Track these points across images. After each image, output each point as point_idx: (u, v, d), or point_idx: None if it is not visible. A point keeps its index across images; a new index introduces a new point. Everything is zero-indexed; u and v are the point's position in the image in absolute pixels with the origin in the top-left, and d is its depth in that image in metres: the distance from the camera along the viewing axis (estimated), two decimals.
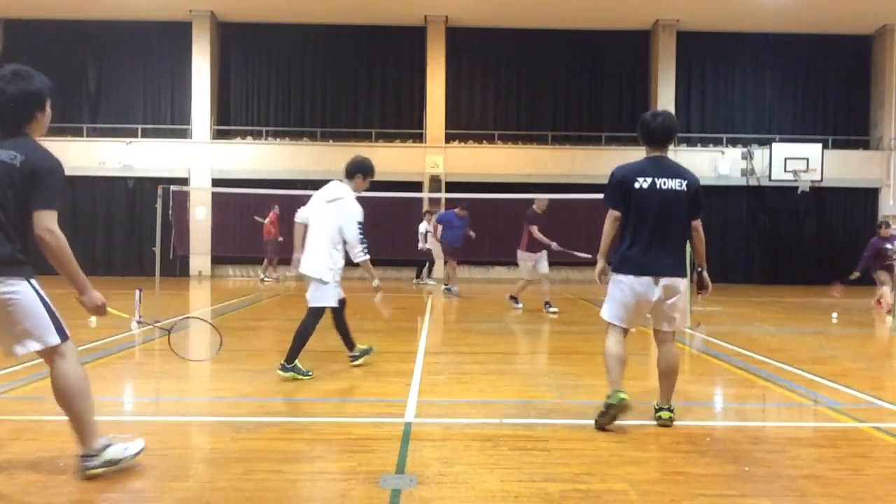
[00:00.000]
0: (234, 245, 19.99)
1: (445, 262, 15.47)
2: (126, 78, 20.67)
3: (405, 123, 20.94)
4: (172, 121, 20.65)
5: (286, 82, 21.00)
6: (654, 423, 4.77)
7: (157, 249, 10.58)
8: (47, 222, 3.49)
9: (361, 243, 6.19)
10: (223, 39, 21.03)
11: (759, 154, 20.12)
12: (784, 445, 4.44)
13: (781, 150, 19.61)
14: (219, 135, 20.62)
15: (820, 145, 19.72)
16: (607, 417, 4.56)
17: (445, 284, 15.28)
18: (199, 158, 19.96)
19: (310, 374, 6.19)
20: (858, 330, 10.98)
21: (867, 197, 20.36)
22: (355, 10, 19.63)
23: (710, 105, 21.19)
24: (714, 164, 20.38)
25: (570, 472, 3.84)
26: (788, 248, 20.50)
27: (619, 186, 4.67)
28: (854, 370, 7.16)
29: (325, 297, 6.27)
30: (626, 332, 4.83)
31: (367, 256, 6.26)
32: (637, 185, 4.61)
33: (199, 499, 3.46)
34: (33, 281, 3.61)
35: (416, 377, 6.31)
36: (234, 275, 20.50)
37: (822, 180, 19.61)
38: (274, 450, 4.16)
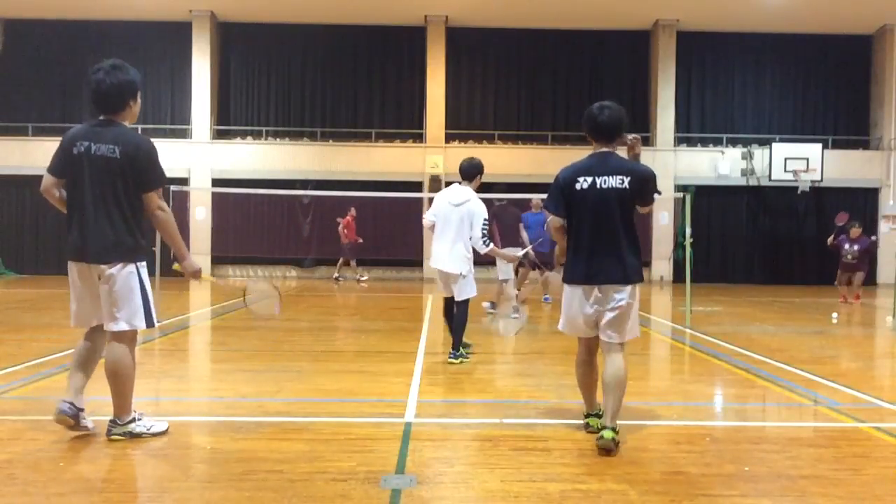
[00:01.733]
0: (234, 245, 20.00)
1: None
2: None
3: (405, 123, 20.93)
4: (172, 121, 20.65)
5: (286, 82, 21.00)
6: (653, 423, 4.75)
7: (158, 249, 10.58)
8: (157, 201, 4.19)
9: (483, 237, 6.91)
10: (223, 39, 21.03)
11: (759, 154, 20.12)
12: (784, 445, 4.44)
13: (781, 150, 19.60)
14: (219, 135, 20.62)
15: (820, 145, 19.72)
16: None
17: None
18: (199, 158, 19.96)
19: (471, 345, 7.46)
20: (858, 330, 10.98)
21: (867, 197, 20.36)
22: (355, 10, 19.63)
23: (710, 105, 21.18)
24: (714, 164, 20.38)
25: (570, 472, 3.84)
26: (788, 248, 20.49)
27: (560, 190, 4.40)
28: (854, 370, 7.16)
29: (469, 288, 7.04)
30: (591, 343, 4.51)
31: (491, 245, 7.04)
32: (578, 186, 4.32)
33: (199, 499, 3.46)
34: (140, 267, 4.21)
35: (416, 377, 6.31)
36: (235, 275, 20.50)
37: (822, 180, 19.60)
38: (274, 450, 4.16)
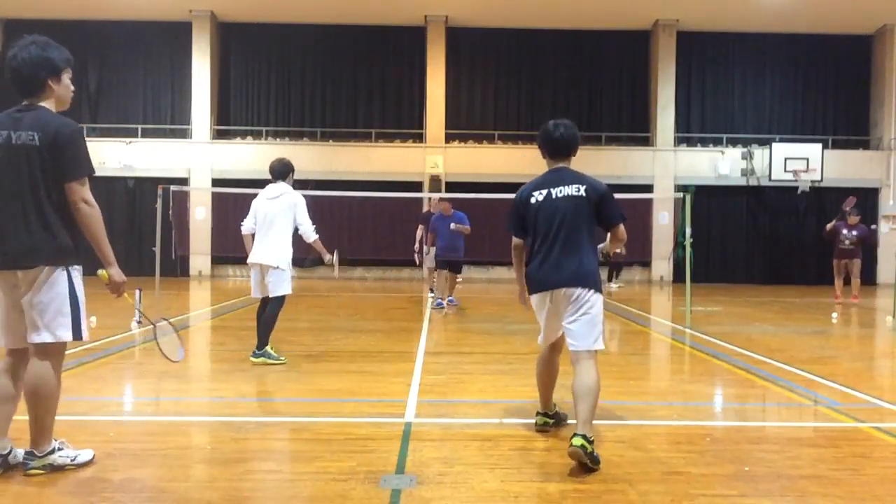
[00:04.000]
0: (235, 245, 19.97)
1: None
2: (126, 78, 20.65)
3: (405, 123, 20.93)
4: (172, 121, 20.65)
5: (286, 82, 21.00)
6: (653, 423, 4.76)
7: (158, 249, 10.58)
8: (80, 192, 3.56)
9: (313, 226, 7.15)
10: (223, 39, 21.03)
11: (759, 154, 20.12)
12: (784, 445, 4.44)
13: (781, 150, 19.61)
14: (219, 135, 20.62)
15: (820, 145, 19.72)
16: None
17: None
18: (199, 158, 19.96)
19: (281, 359, 6.98)
20: (858, 330, 10.98)
21: (867, 197, 20.32)
22: (355, 10, 19.63)
23: (710, 105, 21.18)
24: (714, 164, 20.38)
25: (570, 472, 3.84)
26: (788, 248, 20.49)
27: (517, 209, 4.46)
28: (854, 370, 7.16)
29: (285, 285, 7.08)
30: (557, 341, 4.57)
31: (318, 236, 7.25)
32: (533, 200, 4.39)
33: (199, 499, 3.46)
34: (73, 270, 3.64)
35: (416, 377, 6.31)
36: (234, 275, 20.50)
37: (822, 180, 19.61)
38: (274, 450, 4.16)
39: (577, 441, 3.81)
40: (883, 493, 3.62)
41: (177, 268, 17.87)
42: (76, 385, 5.77)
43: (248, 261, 7.26)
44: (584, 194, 4.31)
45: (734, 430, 4.93)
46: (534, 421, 4.67)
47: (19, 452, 3.74)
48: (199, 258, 19.91)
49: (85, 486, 3.58)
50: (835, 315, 11.76)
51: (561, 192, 4.34)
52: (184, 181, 18.53)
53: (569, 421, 4.66)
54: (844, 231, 13.66)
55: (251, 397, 5.56)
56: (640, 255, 19.94)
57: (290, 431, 4.57)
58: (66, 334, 3.61)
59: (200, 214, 19.83)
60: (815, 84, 21.11)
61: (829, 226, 13.95)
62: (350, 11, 19.73)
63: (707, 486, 3.68)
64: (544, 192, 4.39)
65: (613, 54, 21.04)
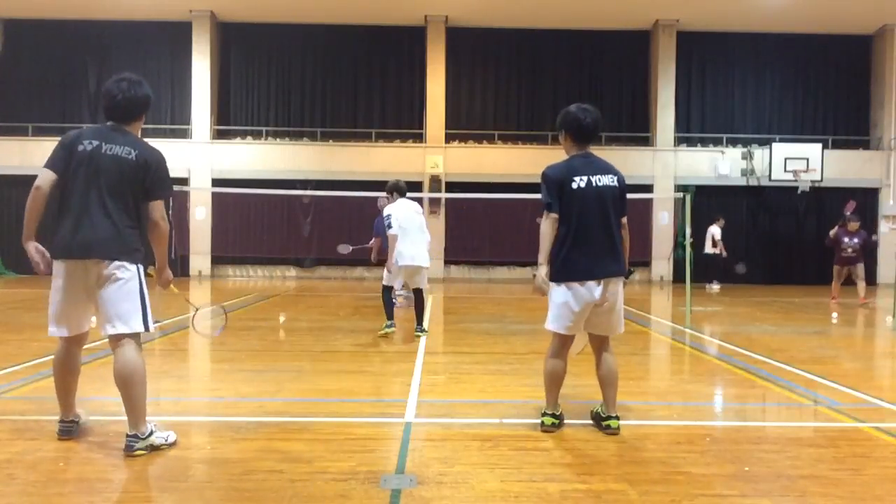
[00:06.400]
0: (235, 245, 20.00)
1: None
2: None
3: (405, 123, 20.93)
4: (172, 121, 20.65)
5: (286, 82, 21.00)
6: (653, 422, 4.76)
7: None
8: (162, 210, 4.20)
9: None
10: (223, 39, 21.03)
11: (759, 154, 20.12)
12: (784, 445, 4.44)
13: (781, 150, 19.61)
14: (219, 135, 20.62)
15: (820, 145, 19.73)
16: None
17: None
18: (199, 158, 19.96)
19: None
20: (858, 330, 10.98)
21: (867, 197, 20.34)
22: (355, 10, 19.63)
23: (710, 105, 21.18)
24: (714, 164, 20.38)
25: (570, 472, 3.84)
26: (788, 248, 20.49)
27: (557, 187, 4.45)
28: (854, 370, 7.16)
29: None
30: (570, 340, 4.59)
31: None
32: (575, 185, 4.42)
33: (199, 499, 3.46)
34: (141, 267, 4.15)
35: (416, 377, 6.31)
36: (234, 275, 20.50)
37: (822, 180, 19.61)
38: (274, 450, 4.15)
39: (616, 423, 4.49)
40: (883, 493, 3.62)
41: (177, 268, 17.88)
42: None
43: (403, 263, 8.40)
44: (617, 185, 4.53)
45: (734, 430, 4.93)
46: (539, 421, 4.60)
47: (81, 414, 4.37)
48: (199, 258, 19.92)
49: (85, 486, 3.58)
50: (835, 315, 11.76)
51: (600, 181, 4.48)
52: (184, 181, 18.54)
53: (568, 419, 4.66)
54: (846, 239, 13.65)
55: (251, 397, 5.55)
56: (640, 255, 19.97)
57: (290, 431, 4.56)
58: (140, 326, 4.09)
59: (200, 214, 19.83)
60: (815, 84, 21.11)
61: (831, 233, 13.91)
62: (350, 11, 19.73)
63: (707, 486, 3.67)
64: (584, 178, 4.47)
65: (613, 54, 21.04)
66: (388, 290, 8.95)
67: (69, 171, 4.05)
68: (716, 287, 17.30)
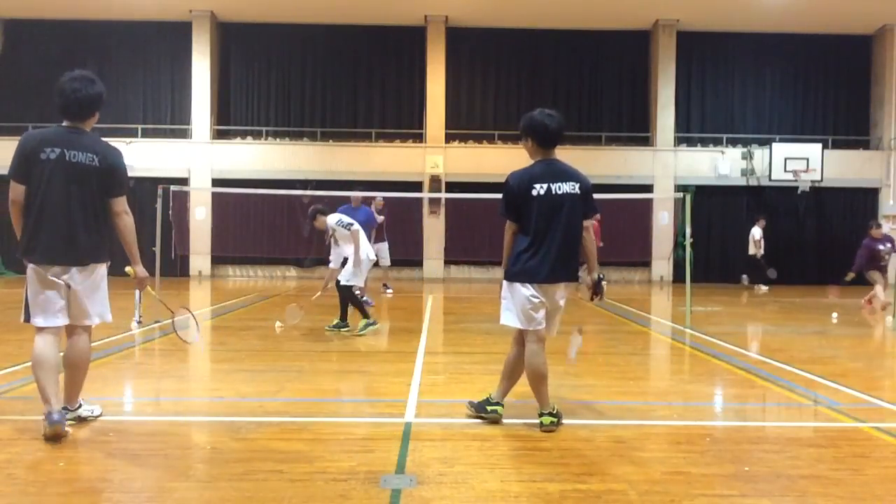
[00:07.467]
0: (234, 245, 19.99)
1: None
2: (126, 78, 20.63)
3: (405, 123, 20.93)
4: (172, 121, 20.64)
5: (286, 82, 20.99)
6: (653, 422, 4.76)
7: (158, 249, 10.58)
8: (124, 204, 4.42)
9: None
10: (223, 39, 21.02)
11: (759, 154, 20.12)
12: (784, 445, 4.44)
13: (781, 150, 19.61)
14: (219, 135, 20.61)
15: (820, 145, 19.72)
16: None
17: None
18: (199, 158, 19.95)
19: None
20: (858, 330, 10.98)
21: (867, 197, 20.35)
22: (355, 10, 19.63)
23: (710, 105, 21.17)
24: (714, 164, 20.37)
25: (570, 472, 3.84)
26: (788, 248, 20.47)
27: (515, 196, 4.57)
28: (854, 370, 7.16)
29: None
30: (542, 333, 4.67)
31: None
32: (535, 192, 4.52)
33: (199, 499, 3.46)
34: (107, 265, 4.49)
35: (416, 377, 6.31)
36: (234, 275, 20.50)
37: (822, 180, 19.61)
38: (274, 450, 4.16)
39: (548, 420, 4.53)
40: (883, 493, 3.62)
41: (177, 268, 17.89)
42: None
43: (373, 258, 9.11)
44: (578, 192, 4.59)
45: (734, 430, 4.93)
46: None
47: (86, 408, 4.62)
48: (199, 258, 19.92)
49: (85, 486, 3.58)
50: (835, 315, 11.76)
51: (560, 188, 4.56)
52: (184, 181, 18.51)
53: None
54: (880, 246, 13.29)
55: (251, 397, 5.55)
56: (640, 255, 19.97)
57: (290, 431, 4.57)
58: (109, 316, 4.52)
59: (200, 214, 19.83)
60: (815, 84, 21.10)
61: (864, 243, 13.23)
62: (350, 11, 19.73)
63: (707, 486, 3.67)
64: (544, 185, 4.55)
65: (613, 54, 21.03)
66: (350, 289, 8.96)
67: (34, 178, 4.21)
68: (764, 288, 17.30)
